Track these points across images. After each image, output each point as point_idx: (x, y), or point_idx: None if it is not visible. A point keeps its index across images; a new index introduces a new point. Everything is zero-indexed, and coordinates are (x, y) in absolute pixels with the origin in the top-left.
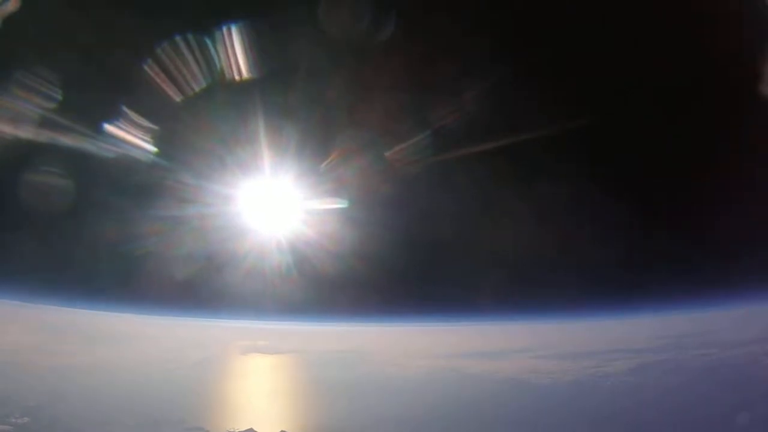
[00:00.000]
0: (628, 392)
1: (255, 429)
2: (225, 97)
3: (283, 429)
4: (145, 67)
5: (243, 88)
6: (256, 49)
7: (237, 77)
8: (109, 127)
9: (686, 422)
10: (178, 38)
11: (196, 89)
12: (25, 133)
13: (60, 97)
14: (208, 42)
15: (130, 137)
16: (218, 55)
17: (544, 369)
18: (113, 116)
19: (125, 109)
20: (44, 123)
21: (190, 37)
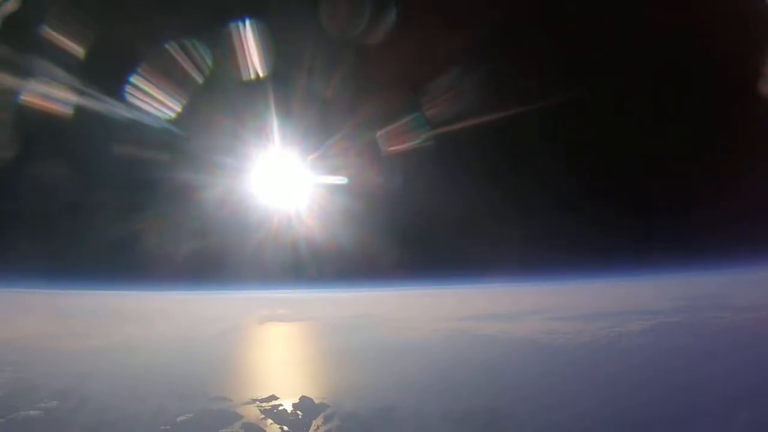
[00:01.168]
0: (641, 353)
1: (276, 395)
2: (239, 80)
3: (304, 394)
4: (170, 51)
5: (257, 70)
6: (270, 35)
7: (252, 61)
8: (133, 105)
9: (695, 384)
10: (199, 24)
11: (214, 73)
12: (56, 108)
13: (86, 71)
14: (225, 30)
15: (151, 110)
16: (233, 44)
17: (559, 330)
18: (137, 94)
19: (147, 84)
20: (72, 99)
21: (209, 24)
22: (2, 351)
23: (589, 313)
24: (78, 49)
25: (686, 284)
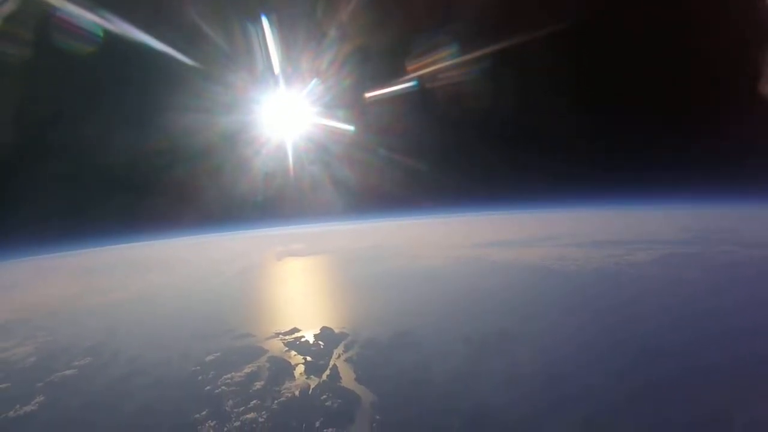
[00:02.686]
0: (649, 282)
1: (298, 328)
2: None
3: (325, 325)
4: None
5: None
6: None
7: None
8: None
9: (698, 315)
10: None
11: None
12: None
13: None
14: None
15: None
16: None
17: (570, 256)
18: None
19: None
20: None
21: None
22: (31, 317)
23: (600, 240)
24: None
25: (699, 216)
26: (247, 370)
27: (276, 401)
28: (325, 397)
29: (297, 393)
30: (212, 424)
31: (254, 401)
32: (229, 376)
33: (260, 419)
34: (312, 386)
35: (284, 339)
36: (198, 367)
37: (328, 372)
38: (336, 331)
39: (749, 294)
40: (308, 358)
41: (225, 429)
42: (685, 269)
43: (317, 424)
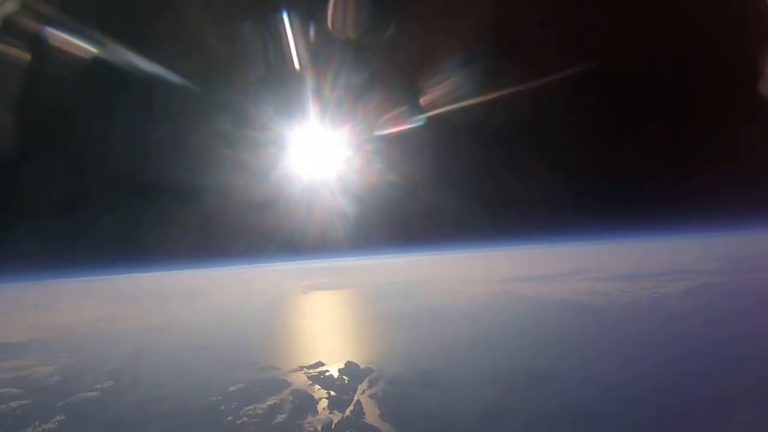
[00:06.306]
0: (682, 314)
1: (323, 362)
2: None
3: (349, 360)
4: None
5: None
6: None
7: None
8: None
9: (735, 346)
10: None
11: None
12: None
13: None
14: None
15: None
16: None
17: (601, 290)
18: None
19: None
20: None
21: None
22: (56, 338)
23: (631, 273)
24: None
25: (730, 243)
26: (270, 402)
27: None
28: None
29: (319, 428)
30: None
31: None
32: (251, 407)
33: None
34: (335, 421)
35: (308, 372)
36: (220, 397)
37: (351, 407)
38: (361, 366)
39: None
40: (332, 393)
41: None
42: (719, 299)
43: None
